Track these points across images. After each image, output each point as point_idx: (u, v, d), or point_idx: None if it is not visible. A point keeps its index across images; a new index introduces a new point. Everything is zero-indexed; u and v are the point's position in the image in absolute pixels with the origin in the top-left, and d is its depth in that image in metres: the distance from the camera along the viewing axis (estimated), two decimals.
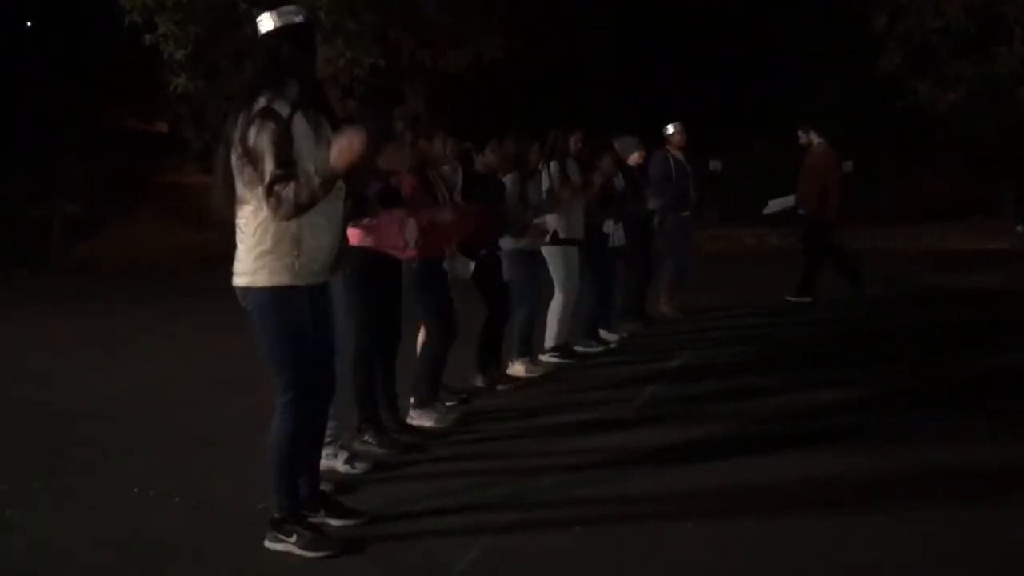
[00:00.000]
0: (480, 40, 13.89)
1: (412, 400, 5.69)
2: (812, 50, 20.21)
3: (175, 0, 12.31)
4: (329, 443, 4.62)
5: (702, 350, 7.88)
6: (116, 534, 4.01)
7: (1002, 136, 17.87)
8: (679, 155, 9.47)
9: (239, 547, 3.84)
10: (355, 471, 4.71)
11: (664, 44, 20.54)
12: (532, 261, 7.04)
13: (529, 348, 7.06)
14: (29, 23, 20.13)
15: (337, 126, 3.75)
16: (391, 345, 5.30)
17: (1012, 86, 15.98)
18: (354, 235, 4.73)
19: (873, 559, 3.65)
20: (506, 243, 6.60)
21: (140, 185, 19.30)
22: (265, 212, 3.58)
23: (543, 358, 7.32)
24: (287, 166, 3.51)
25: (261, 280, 3.64)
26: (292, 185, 3.49)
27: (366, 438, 5.12)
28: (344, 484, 4.50)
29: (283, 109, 3.59)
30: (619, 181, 8.14)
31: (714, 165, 18.96)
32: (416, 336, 5.81)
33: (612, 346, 8.00)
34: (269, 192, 3.50)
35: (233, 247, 3.72)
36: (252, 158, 3.54)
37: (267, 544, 3.79)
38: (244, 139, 3.55)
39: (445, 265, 5.83)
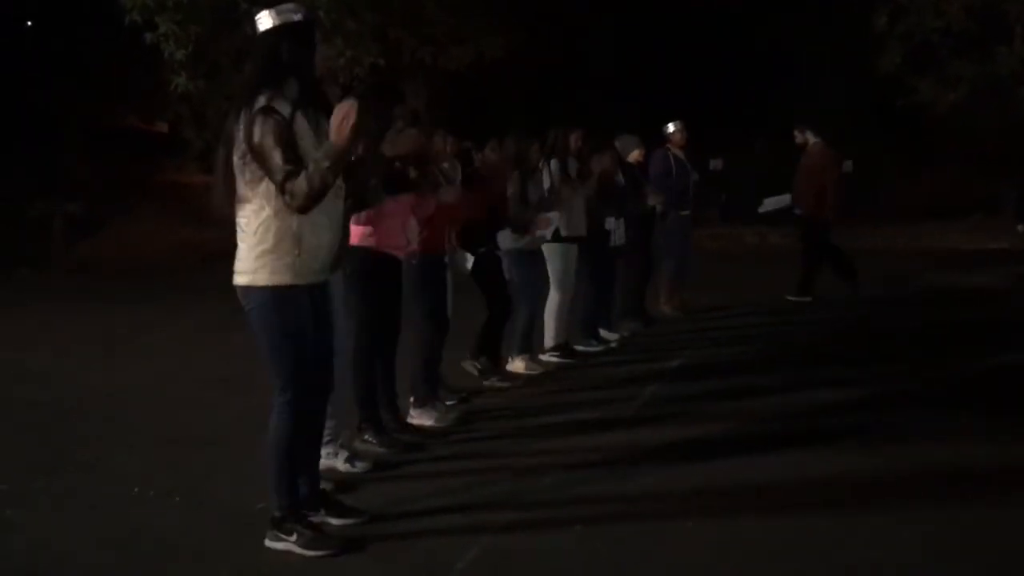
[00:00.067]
0: (480, 39, 13.88)
1: (412, 400, 5.70)
2: (812, 50, 20.20)
3: None
4: (329, 442, 4.63)
5: (702, 349, 7.88)
6: (116, 533, 4.02)
7: (1003, 135, 17.85)
8: (679, 153, 9.49)
9: (239, 546, 3.84)
10: (355, 470, 4.71)
11: (664, 44, 20.53)
12: (533, 260, 7.05)
13: (529, 346, 7.07)
14: (29, 23, 20.12)
15: None
16: (391, 344, 5.30)
17: (1012, 85, 15.96)
18: (355, 235, 4.74)
19: (873, 559, 3.65)
20: (506, 243, 6.60)
21: (140, 184, 19.29)
22: (267, 211, 3.58)
23: (543, 357, 7.32)
24: (296, 161, 3.52)
25: (262, 279, 3.64)
26: (303, 176, 3.50)
27: (366, 437, 5.12)
28: (344, 483, 4.51)
29: (283, 107, 3.59)
30: (619, 179, 8.15)
31: (714, 164, 18.95)
32: (411, 335, 5.80)
33: (612, 345, 8.01)
34: (283, 189, 3.50)
35: (233, 246, 3.72)
36: (257, 156, 3.54)
37: (267, 543, 3.79)
38: (248, 137, 3.55)
39: (446, 259, 5.86)
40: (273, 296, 3.64)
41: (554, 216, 7.09)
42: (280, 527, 3.78)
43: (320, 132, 3.67)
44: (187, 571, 3.70)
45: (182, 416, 5.97)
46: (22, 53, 18.75)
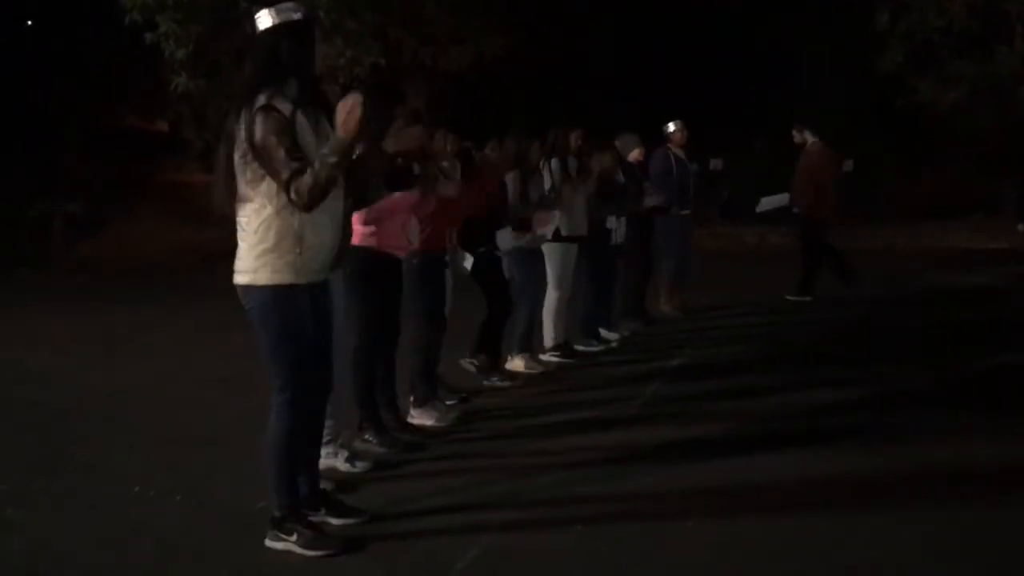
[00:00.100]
0: (481, 39, 13.89)
1: (411, 399, 5.70)
2: (812, 50, 20.19)
3: None
4: (329, 442, 4.63)
5: (702, 349, 7.88)
6: (116, 533, 4.01)
7: (1003, 135, 17.85)
8: (680, 153, 9.49)
9: (239, 546, 3.84)
10: (356, 470, 4.71)
11: (664, 44, 20.52)
12: (533, 259, 7.06)
13: (529, 345, 7.07)
14: (29, 22, 20.13)
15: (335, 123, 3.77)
16: (391, 344, 5.30)
17: (1013, 85, 15.96)
18: (356, 234, 4.74)
19: (873, 559, 3.65)
20: (506, 242, 6.59)
21: (141, 184, 19.29)
22: (268, 210, 3.58)
23: (544, 357, 7.33)
24: (300, 159, 3.52)
25: (263, 278, 3.63)
26: (310, 173, 3.50)
27: (367, 437, 5.12)
28: (345, 483, 4.51)
29: (284, 106, 3.59)
30: (619, 178, 8.16)
31: (715, 164, 18.93)
32: (410, 335, 5.80)
33: (613, 345, 8.01)
34: (288, 186, 3.50)
35: (234, 246, 3.71)
36: (259, 155, 3.53)
37: (268, 543, 3.79)
38: (250, 136, 3.54)
39: (446, 258, 5.86)
40: (274, 295, 3.64)
41: (554, 214, 7.10)
42: (280, 527, 3.78)
43: (320, 131, 3.67)
44: (187, 571, 3.70)
45: (182, 416, 5.97)
46: (22, 53, 18.75)
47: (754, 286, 11.38)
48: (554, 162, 7.32)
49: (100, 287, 13.19)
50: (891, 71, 16.57)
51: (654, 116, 10.23)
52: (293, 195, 3.51)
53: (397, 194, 5.00)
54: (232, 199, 3.64)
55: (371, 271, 4.99)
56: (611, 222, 7.90)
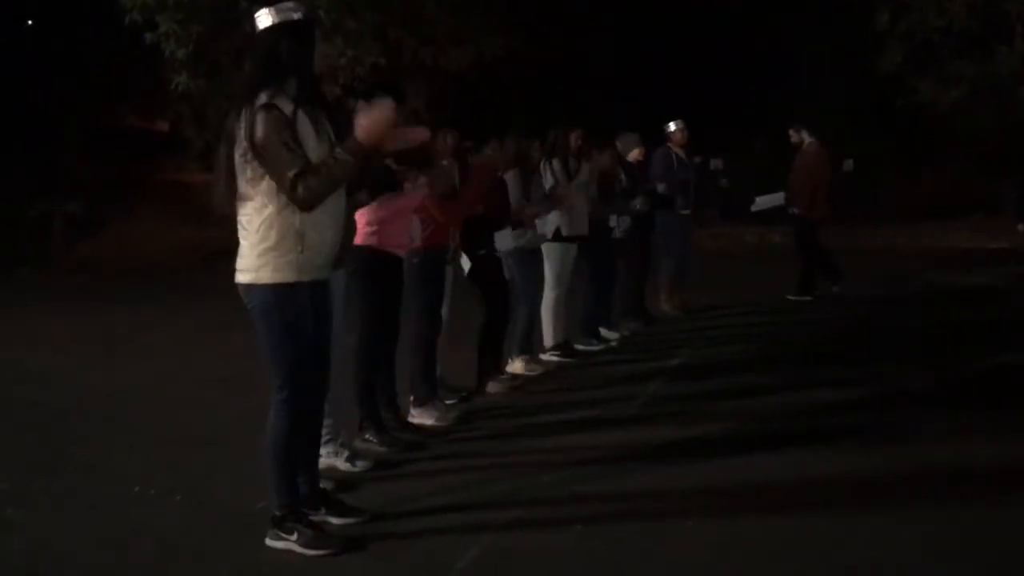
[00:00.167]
0: (481, 39, 13.90)
1: (412, 399, 5.70)
2: (812, 49, 20.21)
3: None
4: (328, 441, 4.63)
5: (702, 348, 7.88)
6: (116, 533, 4.01)
7: (1003, 135, 17.87)
8: (680, 152, 9.50)
9: (240, 546, 3.84)
10: (356, 469, 4.71)
11: (664, 44, 20.55)
12: (533, 259, 7.06)
13: (529, 346, 7.07)
14: (29, 22, 20.13)
15: (336, 121, 3.77)
16: (391, 343, 5.30)
17: (1013, 85, 15.97)
18: (358, 233, 4.74)
19: (873, 559, 3.65)
20: (505, 244, 6.58)
21: (141, 184, 19.30)
22: (270, 208, 3.58)
23: (544, 357, 7.32)
24: (303, 159, 3.52)
25: (265, 277, 3.63)
26: (316, 172, 3.50)
27: (367, 436, 5.12)
28: (345, 482, 4.51)
29: (285, 105, 3.59)
30: (621, 178, 8.18)
31: (715, 164, 18.98)
32: (410, 335, 5.79)
33: (613, 344, 8.01)
34: (294, 184, 3.50)
35: (234, 245, 3.71)
36: (259, 154, 3.53)
37: (268, 542, 3.79)
38: (251, 135, 3.54)
39: (448, 256, 5.86)
40: (275, 294, 3.64)
41: (553, 218, 7.10)
42: (281, 526, 3.78)
43: (321, 130, 3.67)
44: (187, 571, 3.69)
45: (182, 416, 5.97)
46: (22, 53, 18.76)
47: (754, 286, 11.38)
48: (555, 162, 7.33)
49: (100, 287, 13.20)
50: (891, 71, 16.59)
51: (654, 116, 10.24)
52: (301, 191, 3.50)
53: (404, 193, 5.00)
54: (232, 198, 3.64)
55: (373, 270, 4.99)
56: (613, 220, 7.92)
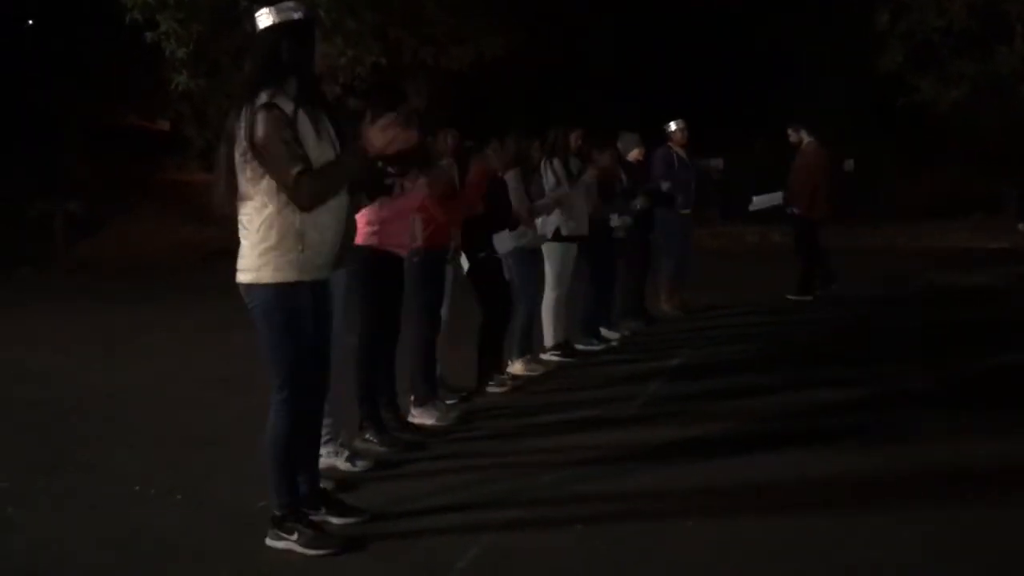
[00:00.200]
0: (481, 38, 13.90)
1: (412, 399, 5.70)
2: (812, 49, 20.21)
3: None
4: (328, 441, 4.63)
5: (703, 348, 7.88)
6: (117, 533, 4.01)
7: (1004, 134, 17.88)
8: (681, 152, 9.50)
9: (240, 546, 3.84)
10: (356, 469, 4.71)
11: (664, 44, 20.55)
12: (533, 259, 7.06)
13: (530, 346, 7.07)
14: (30, 22, 20.13)
15: (336, 120, 3.77)
16: (392, 343, 5.30)
17: (1014, 84, 15.97)
18: (359, 233, 4.74)
19: (873, 559, 3.65)
20: (505, 245, 6.58)
21: (141, 183, 19.31)
22: (270, 208, 3.58)
23: (544, 357, 7.33)
24: (304, 159, 3.52)
25: (266, 276, 3.63)
26: (317, 173, 3.50)
27: (367, 436, 5.12)
28: (345, 482, 4.51)
29: (286, 105, 3.59)
30: (621, 177, 8.18)
31: (716, 164, 18.98)
32: (410, 334, 5.79)
33: (613, 344, 8.02)
34: (295, 185, 3.50)
35: (235, 244, 3.71)
36: (259, 153, 3.53)
37: (268, 542, 3.79)
38: (251, 135, 3.54)
39: (448, 255, 5.86)
40: (276, 293, 3.64)
41: (553, 216, 7.10)
42: (281, 526, 3.78)
43: (321, 130, 3.67)
44: (187, 571, 3.69)
45: (182, 416, 5.97)
46: (22, 52, 18.76)
47: (754, 285, 11.39)
48: (555, 162, 7.33)
49: (100, 287, 13.20)
50: (891, 71, 16.58)
51: (654, 116, 10.24)
52: (302, 191, 3.50)
53: (404, 193, 5.00)
54: (232, 197, 3.64)
55: (373, 270, 4.99)
56: (614, 219, 7.93)
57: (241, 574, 3.64)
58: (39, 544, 3.92)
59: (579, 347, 7.68)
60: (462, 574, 3.57)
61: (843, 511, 4.14)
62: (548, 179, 7.23)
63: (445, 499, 4.32)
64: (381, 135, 3.49)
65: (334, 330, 4.22)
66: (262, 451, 3.83)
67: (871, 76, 17.55)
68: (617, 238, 8.09)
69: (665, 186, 9.02)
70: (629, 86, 20.27)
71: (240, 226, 3.67)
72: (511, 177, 6.72)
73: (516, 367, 6.90)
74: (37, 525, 4.13)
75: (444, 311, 5.97)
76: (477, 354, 6.43)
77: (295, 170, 3.49)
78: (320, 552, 3.71)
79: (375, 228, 4.98)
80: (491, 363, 6.49)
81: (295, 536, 3.75)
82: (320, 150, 3.61)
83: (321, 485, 4.12)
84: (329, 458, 4.64)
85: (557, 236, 7.22)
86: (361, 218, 4.79)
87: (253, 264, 3.64)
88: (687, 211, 9.56)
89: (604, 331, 8.07)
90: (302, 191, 3.51)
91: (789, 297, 10.16)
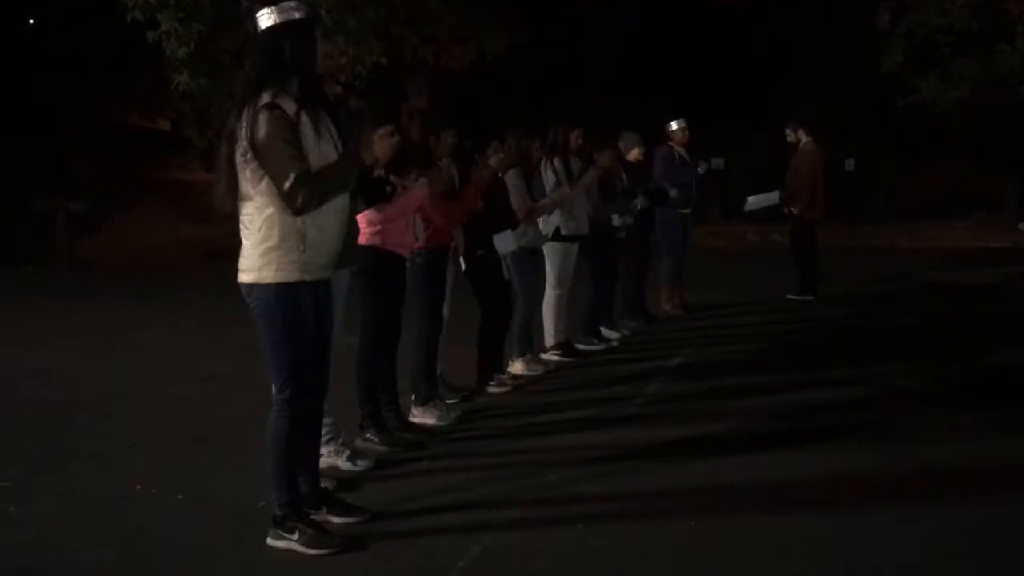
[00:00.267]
0: (482, 37, 13.89)
1: (413, 398, 5.71)
2: (813, 48, 20.20)
3: None
4: (329, 440, 4.64)
5: (703, 348, 7.89)
6: (118, 531, 4.02)
7: (1004, 134, 17.86)
8: (682, 151, 9.50)
9: (241, 544, 3.85)
10: (357, 468, 4.72)
11: (664, 43, 20.54)
12: (533, 259, 7.06)
13: (530, 346, 7.07)
14: (31, 21, 20.15)
15: (337, 120, 3.78)
16: (393, 343, 5.31)
17: (1014, 84, 15.96)
18: (361, 233, 4.75)
19: (873, 559, 3.65)
20: (504, 246, 6.57)
21: (143, 182, 19.34)
22: (271, 208, 3.58)
23: (545, 356, 7.33)
24: (304, 161, 3.53)
25: (267, 276, 3.63)
26: (310, 180, 3.51)
27: (368, 436, 5.13)
28: (346, 481, 4.52)
29: (288, 105, 3.59)
30: (622, 177, 8.19)
31: (715, 163, 18.95)
32: (412, 334, 5.79)
33: (614, 344, 8.02)
34: (292, 189, 3.50)
35: (236, 243, 3.72)
36: (259, 153, 3.54)
37: (269, 541, 3.80)
38: (252, 135, 3.55)
39: (450, 256, 5.87)
40: (278, 293, 3.64)
41: (553, 216, 7.11)
42: (282, 525, 3.79)
43: (322, 130, 3.67)
44: (188, 569, 3.70)
45: (183, 414, 5.98)
46: (25, 51, 18.78)
47: (755, 285, 11.39)
48: (555, 161, 7.34)
49: (102, 284, 13.23)
50: (892, 70, 16.57)
51: (655, 115, 10.24)
52: (299, 194, 3.51)
53: (405, 193, 5.00)
54: (233, 197, 3.65)
55: (376, 269, 5.00)
56: (616, 219, 7.93)
57: (242, 572, 3.65)
58: (40, 542, 3.94)
59: (579, 347, 7.68)
60: (462, 574, 3.58)
61: (843, 511, 4.14)
62: (548, 179, 7.23)
63: (446, 499, 4.33)
64: (380, 144, 3.51)
65: (335, 330, 4.23)
66: (263, 450, 3.84)
67: (871, 76, 17.53)
68: (618, 238, 8.10)
69: (672, 192, 9.02)
70: (629, 86, 20.26)
71: (241, 226, 3.67)
72: (511, 176, 6.72)
73: (516, 367, 6.91)
74: (39, 521, 4.15)
75: (445, 311, 5.98)
76: (477, 354, 6.43)
77: (292, 173, 3.49)
78: (321, 551, 3.72)
79: (377, 228, 4.99)
80: (491, 363, 6.49)
81: (296, 535, 3.75)
82: (320, 150, 3.62)
83: (322, 484, 4.13)
84: (330, 457, 4.65)
85: (558, 236, 7.23)
86: (363, 219, 4.81)
87: (255, 264, 3.65)
88: (687, 210, 9.56)
89: (604, 331, 8.07)
90: (295, 195, 3.51)
91: (790, 297, 10.16)
